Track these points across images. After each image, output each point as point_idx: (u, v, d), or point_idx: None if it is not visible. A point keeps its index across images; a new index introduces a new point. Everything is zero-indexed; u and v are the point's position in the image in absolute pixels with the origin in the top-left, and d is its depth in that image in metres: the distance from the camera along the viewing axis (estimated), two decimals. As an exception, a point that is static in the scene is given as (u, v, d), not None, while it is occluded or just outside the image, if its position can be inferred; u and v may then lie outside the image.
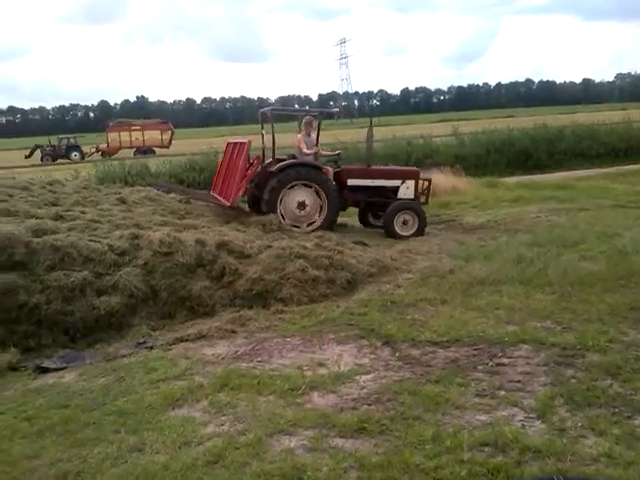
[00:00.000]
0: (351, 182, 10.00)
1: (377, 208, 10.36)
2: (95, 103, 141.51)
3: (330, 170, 9.90)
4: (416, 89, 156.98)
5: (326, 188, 9.57)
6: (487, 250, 7.78)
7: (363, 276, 6.76)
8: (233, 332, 5.43)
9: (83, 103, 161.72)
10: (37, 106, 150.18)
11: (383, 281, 6.72)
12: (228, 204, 9.61)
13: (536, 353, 4.53)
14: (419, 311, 5.65)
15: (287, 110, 12.72)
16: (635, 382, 3.93)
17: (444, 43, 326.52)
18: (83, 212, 8.16)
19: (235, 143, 10.56)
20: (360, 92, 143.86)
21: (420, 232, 9.60)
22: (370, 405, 3.83)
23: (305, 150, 10.01)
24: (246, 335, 5.37)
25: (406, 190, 10.04)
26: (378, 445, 3.34)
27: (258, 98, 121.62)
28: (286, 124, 10.50)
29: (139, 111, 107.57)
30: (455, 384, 4.05)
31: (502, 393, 3.92)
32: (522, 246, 7.67)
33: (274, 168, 9.59)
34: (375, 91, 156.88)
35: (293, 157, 10.11)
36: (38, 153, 41.05)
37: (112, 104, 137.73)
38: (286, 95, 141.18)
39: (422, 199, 10.37)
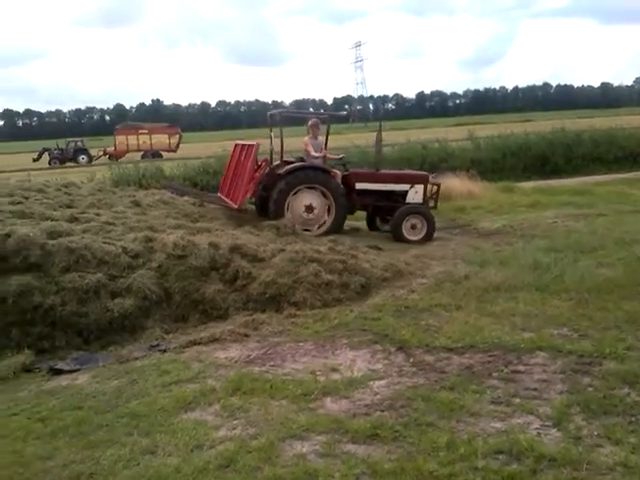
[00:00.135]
0: (359, 186, 9.95)
1: (385, 212, 10.28)
2: (111, 106, 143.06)
3: (338, 173, 9.88)
4: (432, 93, 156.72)
5: (334, 192, 9.54)
6: (503, 256, 7.71)
7: (377, 281, 6.72)
8: (246, 336, 5.43)
9: (99, 106, 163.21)
10: (54, 109, 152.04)
11: (397, 286, 6.68)
12: (236, 206, 9.62)
13: (552, 360, 4.47)
14: (433, 316, 5.60)
15: (296, 113, 12.70)
16: (653, 391, 3.86)
17: (460, 46, 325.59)
18: (98, 214, 8.22)
19: (243, 145, 10.55)
20: (375, 96, 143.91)
21: (428, 237, 9.55)
22: (383, 411, 3.79)
23: (313, 153, 9.99)
24: (259, 339, 5.36)
25: (415, 194, 9.98)
26: (391, 451, 3.30)
27: (273, 101, 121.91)
28: (298, 128, 10.45)
29: (154, 114, 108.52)
30: (470, 391, 4.01)
31: (517, 400, 3.87)
32: (539, 252, 7.59)
33: (282, 171, 9.59)
34: (390, 95, 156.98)
35: (301, 160, 10.10)
36: (46, 156, 41.52)
37: (128, 107, 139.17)
38: (301, 99, 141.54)
39: (431, 204, 10.30)
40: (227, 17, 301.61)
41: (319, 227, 9.49)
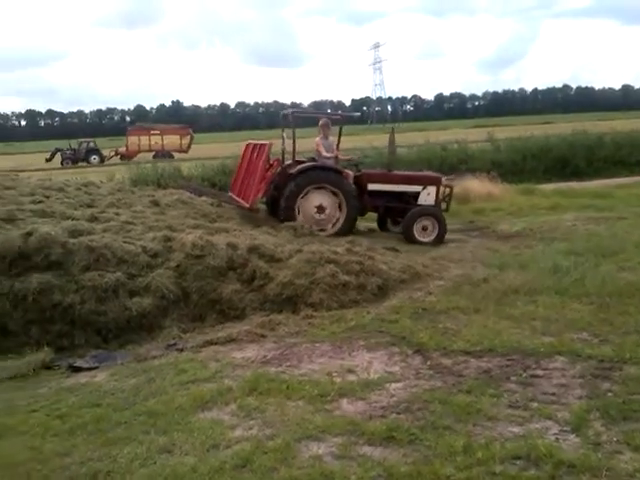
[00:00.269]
0: (371, 187, 9.93)
1: (396, 214, 10.25)
2: (131, 107, 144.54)
3: (350, 174, 9.86)
4: (450, 94, 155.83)
5: (346, 192, 9.52)
6: (522, 258, 7.64)
7: (394, 282, 6.69)
8: (263, 336, 5.43)
9: (120, 107, 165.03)
10: (75, 110, 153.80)
11: (414, 288, 6.65)
12: (247, 205, 9.64)
13: (572, 365, 4.42)
14: (451, 319, 5.56)
15: (309, 113, 12.68)
16: (676, 397, 3.79)
17: (479, 48, 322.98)
18: (117, 214, 8.30)
19: (255, 144, 10.56)
20: (394, 97, 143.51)
21: (440, 239, 9.50)
22: (400, 414, 3.77)
23: (325, 154, 9.97)
24: (275, 339, 5.36)
25: (427, 196, 9.94)
26: (407, 455, 3.28)
27: (291, 103, 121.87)
28: (312, 129, 10.44)
29: (174, 115, 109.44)
30: (487, 395, 3.97)
31: (536, 405, 3.82)
32: (558, 255, 7.50)
33: (294, 170, 9.58)
34: (409, 96, 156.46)
35: (313, 160, 10.09)
36: (59, 157, 42.06)
37: (148, 108, 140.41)
38: (319, 100, 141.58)
39: (443, 206, 10.24)
40: (246, 18, 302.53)
41: (333, 226, 9.45)
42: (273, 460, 3.26)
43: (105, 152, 43.10)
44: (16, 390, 4.60)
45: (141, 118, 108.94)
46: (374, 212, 10.53)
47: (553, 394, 3.98)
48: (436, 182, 10.15)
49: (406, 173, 10.95)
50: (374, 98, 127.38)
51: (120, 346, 5.51)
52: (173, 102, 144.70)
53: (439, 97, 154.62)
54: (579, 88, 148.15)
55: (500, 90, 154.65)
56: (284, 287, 6.16)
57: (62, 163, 40.56)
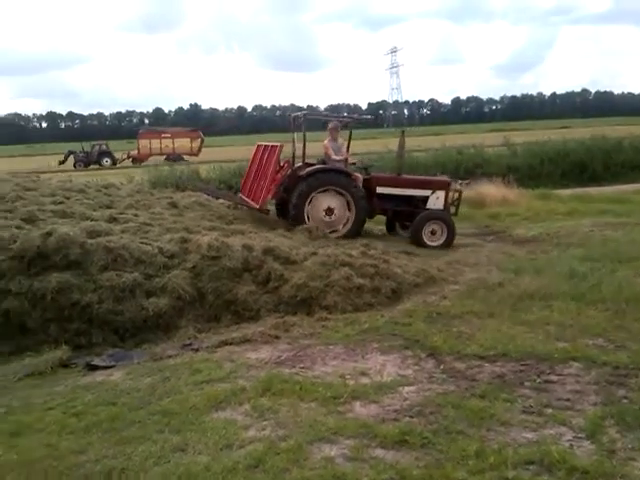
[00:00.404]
0: (380, 190, 9.93)
1: (405, 217, 10.23)
2: (150, 110, 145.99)
3: (359, 177, 9.85)
4: (467, 98, 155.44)
5: (354, 195, 9.52)
6: (538, 263, 7.58)
7: (408, 286, 6.69)
8: (277, 337, 5.46)
9: (139, 110, 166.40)
10: (95, 112, 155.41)
11: (429, 292, 6.64)
12: (257, 206, 9.68)
13: (587, 371, 4.39)
14: (465, 323, 5.55)
15: (320, 115, 12.63)
16: (692, 406, 3.75)
17: (498, 52, 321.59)
18: (136, 215, 8.39)
19: (265, 146, 10.58)
20: (410, 101, 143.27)
21: (448, 243, 9.47)
22: (412, 417, 3.77)
23: (334, 157, 9.99)
24: (289, 341, 5.39)
25: (436, 200, 9.92)
26: (420, 458, 3.28)
27: (308, 106, 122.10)
28: (325, 133, 10.45)
29: (192, 118, 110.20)
30: (501, 400, 3.95)
31: (550, 411, 3.80)
32: (575, 260, 7.45)
33: (303, 172, 9.60)
34: (426, 100, 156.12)
35: (323, 163, 10.10)
36: (72, 159, 42.59)
37: (166, 111, 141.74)
38: (335, 103, 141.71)
39: (452, 210, 10.21)
40: (264, 23, 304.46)
41: (333, 231, 9.45)
42: (285, 461, 3.28)
43: (117, 155, 43.54)
44: (33, 388, 4.67)
45: (159, 121, 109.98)
46: (382, 215, 10.52)
47: (567, 400, 3.95)
48: (445, 186, 10.12)
49: (415, 177, 10.94)
50: (390, 102, 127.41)
51: (136, 345, 5.57)
52: (191, 105, 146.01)
53: (456, 101, 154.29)
54: (598, 93, 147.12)
55: (518, 94, 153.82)
56: (299, 289, 6.19)
57: (75, 165, 41.15)
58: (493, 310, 5.85)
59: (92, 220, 7.37)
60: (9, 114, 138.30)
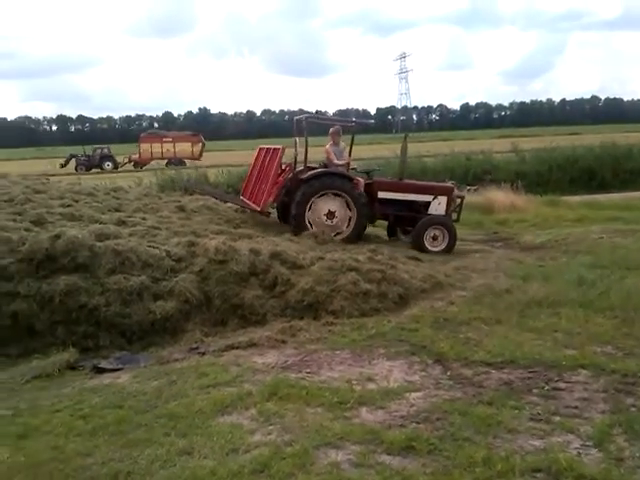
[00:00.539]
0: (382, 195, 9.91)
1: (406, 223, 10.22)
2: (160, 114, 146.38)
3: (361, 181, 9.85)
4: (476, 104, 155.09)
5: (356, 199, 9.52)
6: (546, 270, 7.55)
7: (415, 291, 6.67)
8: (283, 342, 5.46)
9: (148, 113, 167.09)
10: (105, 116, 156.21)
11: (436, 297, 6.61)
12: (258, 209, 9.69)
13: (595, 379, 4.36)
14: (473, 330, 5.52)
15: (322, 119, 12.65)
16: (702, 415, 3.72)
17: (507, 58, 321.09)
18: (144, 219, 8.44)
19: (267, 149, 10.59)
20: (419, 106, 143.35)
21: (449, 249, 9.46)
22: (419, 423, 3.76)
23: (335, 161, 9.99)
24: (296, 346, 5.38)
25: (438, 206, 9.92)
26: (426, 465, 3.26)
27: (316, 111, 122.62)
28: (325, 137, 10.46)
29: (201, 122, 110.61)
30: (508, 407, 3.93)
31: (557, 419, 3.78)
32: (583, 267, 7.41)
33: (305, 176, 9.60)
34: (434, 105, 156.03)
35: (325, 166, 10.11)
36: (73, 162, 42.76)
37: (176, 115, 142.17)
38: (344, 108, 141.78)
39: (454, 216, 10.19)
40: (274, 28, 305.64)
41: (335, 235, 9.45)
42: (291, 466, 3.27)
43: (119, 159, 43.78)
44: (40, 390, 4.69)
45: (169, 124, 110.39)
46: (384, 220, 10.51)
47: (575, 408, 3.93)
48: (447, 192, 10.12)
49: (417, 182, 10.93)
50: (399, 107, 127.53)
51: (143, 348, 5.59)
52: (200, 109, 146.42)
53: (465, 107, 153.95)
54: (608, 99, 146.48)
55: (527, 100, 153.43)
56: (305, 294, 6.19)
57: (76, 169, 41.24)
58: (501, 317, 5.82)
59: (100, 223, 7.40)
60: (20, 117, 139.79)
